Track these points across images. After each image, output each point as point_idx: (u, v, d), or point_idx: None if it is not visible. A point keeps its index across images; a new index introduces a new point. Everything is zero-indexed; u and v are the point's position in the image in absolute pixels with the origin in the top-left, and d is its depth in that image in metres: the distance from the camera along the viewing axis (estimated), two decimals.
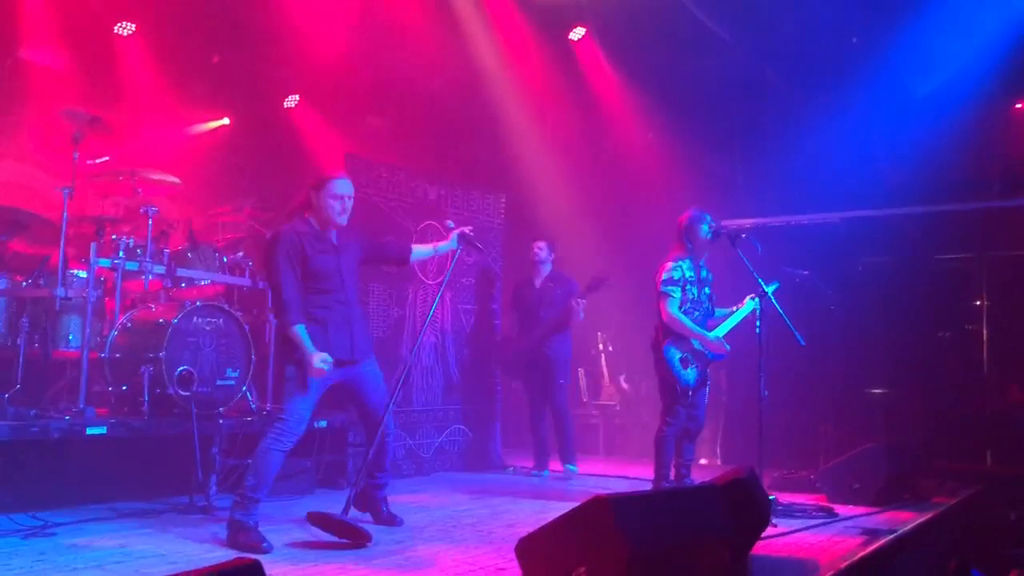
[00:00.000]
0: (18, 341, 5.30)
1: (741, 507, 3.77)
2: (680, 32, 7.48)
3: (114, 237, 5.51)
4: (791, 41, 7.39)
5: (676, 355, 5.61)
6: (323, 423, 5.91)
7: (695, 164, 8.41)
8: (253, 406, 5.76)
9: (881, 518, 5.26)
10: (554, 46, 7.80)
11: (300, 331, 4.26)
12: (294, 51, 7.36)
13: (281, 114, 8.31)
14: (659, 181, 8.44)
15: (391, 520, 4.77)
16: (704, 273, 5.79)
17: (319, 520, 4.30)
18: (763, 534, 4.21)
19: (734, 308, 5.73)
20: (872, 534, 4.73)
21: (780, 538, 4.61)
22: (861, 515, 5.35)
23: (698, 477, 5.56)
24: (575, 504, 3.21)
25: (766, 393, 5.22)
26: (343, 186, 4.45)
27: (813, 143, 7.73)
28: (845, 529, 4.93)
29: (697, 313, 5.68)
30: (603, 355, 9.33)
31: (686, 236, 5.71)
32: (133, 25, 7.06)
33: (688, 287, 5.64)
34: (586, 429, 8.91)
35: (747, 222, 8.10)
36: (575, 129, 8.39)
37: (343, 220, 4.47)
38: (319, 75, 7.81)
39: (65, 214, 5.27)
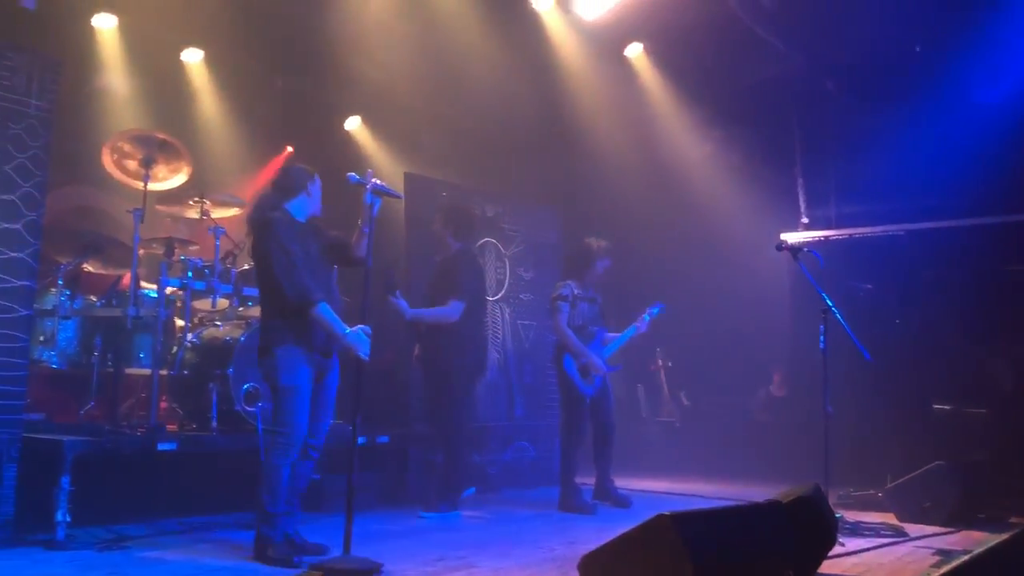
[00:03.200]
0: (92, 359, 5.48)
1: (806, 525, 3.71)
2: (736, 45, 7.43)
3: (183, 258, 5.66)
4: (851, 51, 7.29)
5: (574, 365, 6.11)
6: (385, 439, 5.98)
7: (755, 177, 8.33)
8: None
9: (954, 538, 5.13)
10: (610, 63, 7.81)
11: (325, 310, 4.20)
12: (354, 73, 7.50)
13: (341, 136, 8.46)
14: (719, 195, 8.38)
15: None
16: (592, 292, 6.38)
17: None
18: (829, 553, 4.14)
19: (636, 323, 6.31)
20: (945, 555, 4.60)
21: (847, 557, 4.52)
22: (933, 535, 5.22)
23: (754, 495, 5.49)
24: (637, 521, 3.20)
25: (830, 409, 5.14)
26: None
27: (875, 154, 7.60)
28: (916, 549, 4.82)
29: (592, 328, 6.24)
30: (662, 371, 9.26)
31: (585, 262, 6.29)
32: (201, 52, 7.28)
33: (578, 303, 6.21)
34: (645, 445, 8.84)
35: (809, 235, 7.99)
36: (632, 144, 8.37)
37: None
38: (378, 96, 7.95)
39: (136, 236, 5.45)
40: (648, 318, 6.35)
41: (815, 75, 7.73)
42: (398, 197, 4.47)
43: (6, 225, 4.63)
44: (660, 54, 7.87)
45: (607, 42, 7.55)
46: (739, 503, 5.44)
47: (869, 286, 6.27)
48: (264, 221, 4.33)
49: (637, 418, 9.18)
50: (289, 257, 4.20)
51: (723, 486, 7.29)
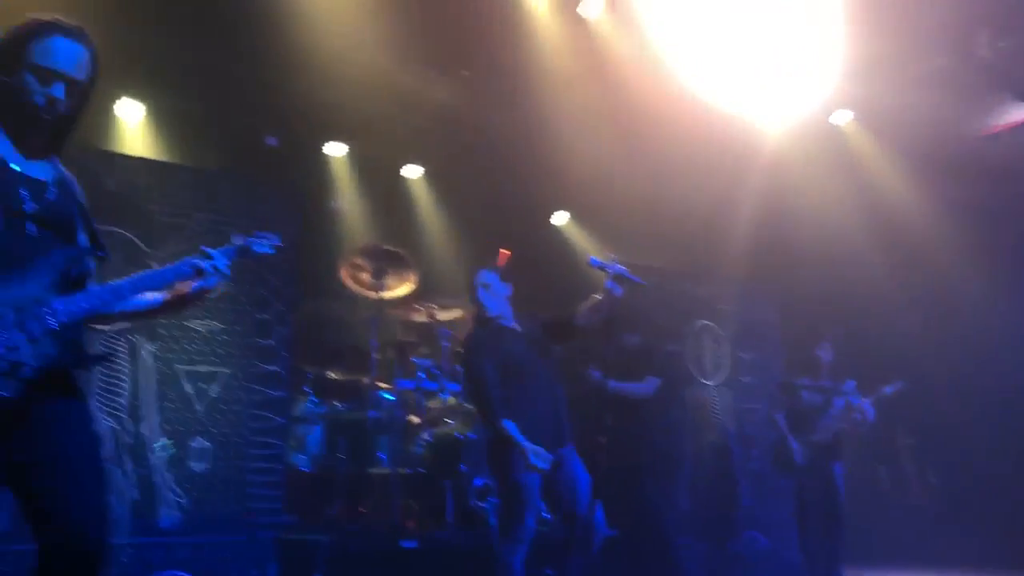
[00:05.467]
0: (337, 461, 5.87)
1: None
2: (958, 98, 7.02)
3: (415, 360, 6.00)
4: None
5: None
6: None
7: (1000, 232, 7.69)
8: (547, 516, 5.89)
9: None
10: (817, 132, 7.58)
11: (510, 426, 4.17)
12: (558, 168, 7.73)
13: (548, 231, 8.67)
14: (959, 260, 7.78)
15: None
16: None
17: None
18: None
19: None
20: None
21: None
22: None
23: None
24: None
25: None
26: None
27: None
28: None
29: None
30: (906, 449, 8.60)
31: None
32: (420, 168, 7.83)
33: None
34: (892, 531, 8.17)
35: None
36: (851, 211, 8.00)
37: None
38: (582, 188, 8.12)
39: (373, 342, 5.85)
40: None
41: None
42: (641, 283, 4.16)
43: (262, 341, 5.13)
44: (873, 118, 7.56)
45: (813, 113, 7.36)
46: None
47: None
48: (464, 343, 4.58)
49: (881, 502, 8.54)
50: (477, 375, 4.32)
51: None
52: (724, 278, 7.69)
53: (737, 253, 8.39)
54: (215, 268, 2.52)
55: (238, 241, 2.72)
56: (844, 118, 7.58)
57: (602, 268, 4.07)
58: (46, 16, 2.31)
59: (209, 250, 2.55)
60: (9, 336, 2.12)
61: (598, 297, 4.23)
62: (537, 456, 4.09)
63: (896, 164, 7.71)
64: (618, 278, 4.03)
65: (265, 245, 2.78)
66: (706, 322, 7.22)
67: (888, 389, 6.00)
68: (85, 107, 2.43)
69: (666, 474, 5.68)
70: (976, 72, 6.77)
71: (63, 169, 2.42)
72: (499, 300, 4.53)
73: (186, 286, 2.53)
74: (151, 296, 2.53)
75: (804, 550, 5.85)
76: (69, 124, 2.41)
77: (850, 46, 6.46)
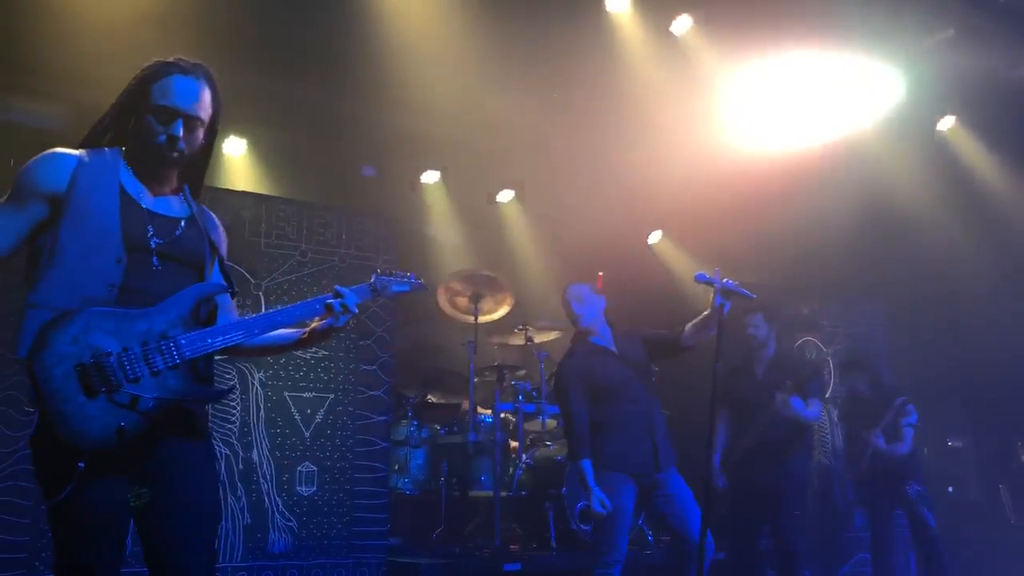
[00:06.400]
0: (439, 484, 5.93)
1: None
2: None
3: (513, 383, 6.03)
4: None
5: None
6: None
7: None
8: (650, 539, 5.83)
9: None
10: (922, 140, 7.34)
11: (586, 466, 4.20)
12: (652, 189, 7.68)
13: (641, 252, 8.60)
14: None
15: None
16: None
17: None
18: None
19: None
20: None
21: None
22: None
23: None
24: None
25: None
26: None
27: None
28: None
29: None
30: None
31: None
32: (511, 192, 7.89)
33: None
34: (1018, 556, 7.74)
35: None
36: (957, 224, 7.70)
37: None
38: (677, 208, 8.04)
39: (472, 366, 5.91)
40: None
41: None
42: (750, 297, 4.02)
43: (365, 367, 5.24)
44: (977, 123, 7.27)
45: (917, 118, 7.12)
46: None
47: None
48: (558, 366, 4.59)
49: (1003, 524, 8.11)
50: (566, 407, 4.36)
51: None
52: (826, 293, 7.48)
53: (841, 269, 8.16)
54: (344, 307, 2.52)
55: (375, 280, 2.72)
56: (948, 123, 7.33)
57: (709, 283, 3.96)
58: (168, 57, 2.38)
59: (341, 289, 2.56)
60: (133, 368, 2.18)
61: (706, 313, 4.19)
62: (601, 504, 4.11)
63: (1004, 167, 7.40)
64: (726, 292, 3.92)
65: (404, 284, 2.77)
66: (809, 338, 7.03)
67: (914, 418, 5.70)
68: (211, 143, 2.49)
69: (798, 499, 5.26)
70: None
71: (195, 206, 2.48)
72: (594, 311, 4.54)
73: (315, 324, 2.55)
74: (281, 333, 2.57)
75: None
76: (197, 161, 2.48)
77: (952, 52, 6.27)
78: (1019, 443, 8.10)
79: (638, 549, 5.61)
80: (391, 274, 2.76)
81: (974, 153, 7.47)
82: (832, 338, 7.18)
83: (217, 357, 2.43)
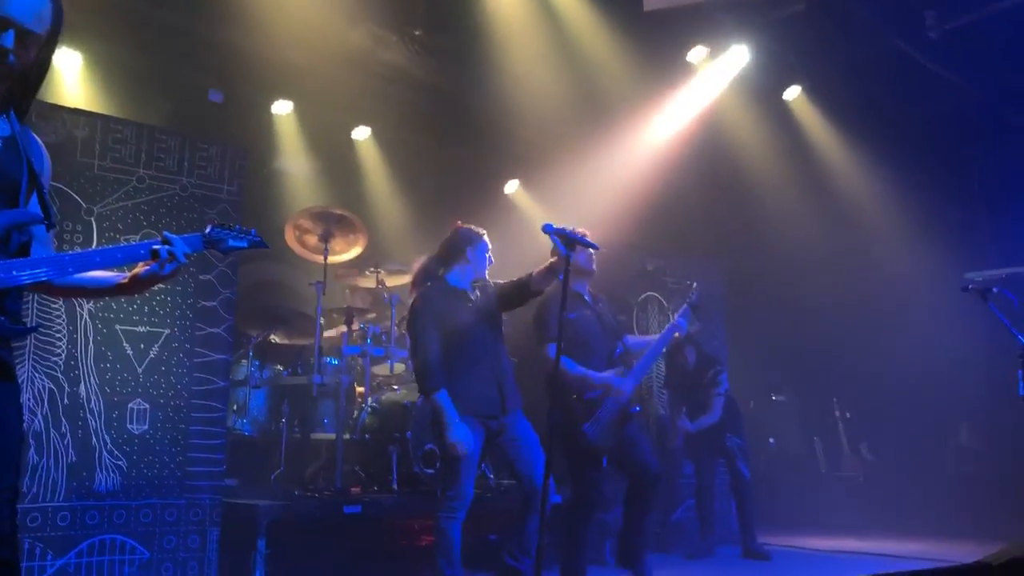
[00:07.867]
0: (280, 426, 5.79)
1: None
2: (905, 80, 7.15)
3: (362, 326, 5.92)
4: None
5: None
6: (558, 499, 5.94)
7: (933, 215, 7.91)
8: (491, 482, 5.92)
9: None
10: (768, 108, 7.66)
11: (443, 397, 4.23)
12: (512, 137, 7.68)
13: (500, 200, 8.64)
14: (895, 236, 8.00)
15: None
16: None
17: None
18: None
19: None
20: None
21: None
22: None
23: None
24: None
25: None
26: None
27: None
28: None
29: None
30: (840, 422, 8.82)
31: None
32: (368, 129, 7.69)
33: None
34: (826, 502, 8.40)
35: (997, 272, 7.47)
36: (798, 189, 8.13)
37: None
38: (535, 158, 8.10)
39: (319, 307, 5.75)
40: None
41: (995, 106, 7.31)
42: (594, 248, 4.37)
43: (205, 303, 4.99)
44: (821, 95, 7.65)
45: (764, 87, 7.41)
46: (939, 565, 5.06)
47: None
48: (412, 302, 4.55)
49: (816, 473, 8.76)
50: (418, 340, 4.37)
51: (916, 545, 6.81)
52: (671, 251, 7.74)
53: (686, 227, 8.47)
54: (171, 255, 2.32)
55: (211, 231, 2.51)
56: (793, 93, 7.66)
57: (556, 233, 4.07)
58: None
59: (170, 235, 2.35)
60: None
61: (552, 260, 4.34)
62: (459, 442, 4.16)
63: (842, 141, 7.84)
64: (571, 242, 4.03)
65: (242, 240, 2.57)
66: (652, 293, 7.26)
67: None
68: (46, 63, 2.23)
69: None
70: (925, 54, 6.89)
71: (18, 128, 2.22)
72: (481, 266, 4.63)
73: (138, 269, 2.35)
74: (98, 275, 2.34)
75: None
76: (27, 79, 2.21)
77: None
78: (834, 399, 8.74)
79: (480, 492, 5.68)
80: (230, 228, 2.56)
81: (817, 124, 7.87)
82: (674, 294, 7.44)
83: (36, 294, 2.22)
